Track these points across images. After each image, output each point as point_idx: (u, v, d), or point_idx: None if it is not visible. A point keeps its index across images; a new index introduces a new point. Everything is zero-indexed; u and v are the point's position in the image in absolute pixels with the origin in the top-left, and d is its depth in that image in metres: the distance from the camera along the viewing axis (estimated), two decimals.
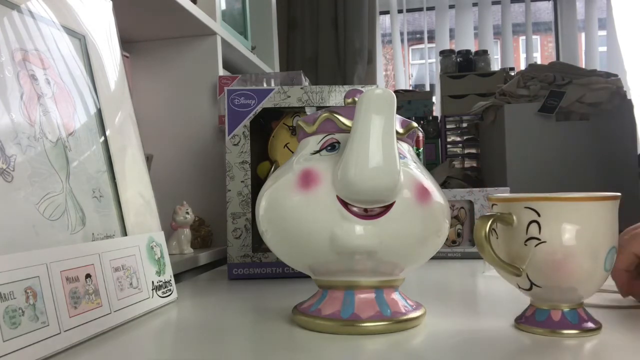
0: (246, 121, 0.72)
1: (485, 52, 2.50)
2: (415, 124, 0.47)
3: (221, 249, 0.95)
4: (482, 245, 0.41)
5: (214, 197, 1.00)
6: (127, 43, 1.04)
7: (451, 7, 3.18)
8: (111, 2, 0.63)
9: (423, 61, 4.35)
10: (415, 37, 4.32)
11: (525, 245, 0.40)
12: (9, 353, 0.34)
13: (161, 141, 1.03)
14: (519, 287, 0.43)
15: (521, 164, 1.61)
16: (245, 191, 0.72)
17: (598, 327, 0.41)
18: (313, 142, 0.45)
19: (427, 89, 3.30)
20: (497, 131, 1.71)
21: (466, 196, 0.87)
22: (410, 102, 2.41)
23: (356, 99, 0.47)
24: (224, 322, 0.49)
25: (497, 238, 0.43)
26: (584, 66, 2.79)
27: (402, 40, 3.15)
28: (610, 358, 0.37)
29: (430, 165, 2.06)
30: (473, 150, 2.15)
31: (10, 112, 0.43)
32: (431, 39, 3.44)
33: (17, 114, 0.44)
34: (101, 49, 0.58)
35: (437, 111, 2.72)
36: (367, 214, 0.41)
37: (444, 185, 1.79)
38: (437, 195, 0.44)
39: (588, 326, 0.41)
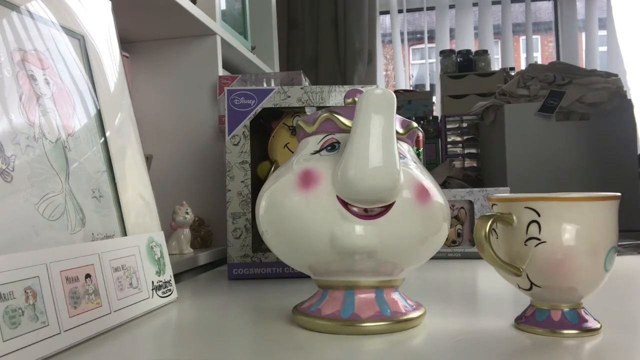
0: (246, 121, 0.72)
1: (485, 52, 2.50)
2: (415, 124, 0.47)
3: (221, 249, 0.95)
4: (482, 245, 0.41)
5: (214, 197, 1.00)
6: (127, 43, 1.04)
7: (451, 7, 3.18)
8: (110, 2, 0.63)
9: (423, 61, 4.36)
10: (415, 37, 4.32)
11: (525, 245, 0.40)
12: (9, 353, 0.34)
13: (161, 141, 1.03)
14: (519, 287, 0.43)
15: (521, 164, 1.61)
16: (245, 191, 0.72)
17: (598, 327, 0.41)
18: (313, 142, 0.45)
19: (427, 89, 3.30)
20: (497, 131, 1.71)
21: (466, 196, 0.87)
22: (411, 102, 2.41)
23: (356, 99, 0.47)
24: (224, 322, 0.49)
25: (497, 238, 0.43)
26: (584, 66, 2.79)
27: (402, 40, 3.16)
28: (610, 358, 0.37)
29: (430, 165, 2.06)
30: (473, 150, 2.15)
31: (10, 112, 0.43)
32: (431, 39, 3.44)
33: (17, 114, 0.44)
34: (101, 49, 0.58)
35: (437, 111, 2.73)
36: (367, 214, 0.40)
37: (444, 185, 1.79)
38: (437, 195, 0.44)
39: (588, 326, 0.41)
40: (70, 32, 0.54)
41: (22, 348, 0.36)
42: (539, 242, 0.40)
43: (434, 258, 0.48)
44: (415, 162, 0.45)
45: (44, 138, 0.46)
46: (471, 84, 2.35)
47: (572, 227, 0.39)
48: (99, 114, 0.55)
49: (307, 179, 0.42)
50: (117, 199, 0.54)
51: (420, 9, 3.41)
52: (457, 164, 2.10)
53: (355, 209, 0.40)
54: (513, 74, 2.12)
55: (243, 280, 0.71)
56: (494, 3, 3.12)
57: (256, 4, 1.52)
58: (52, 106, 0.48)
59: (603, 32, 3.01)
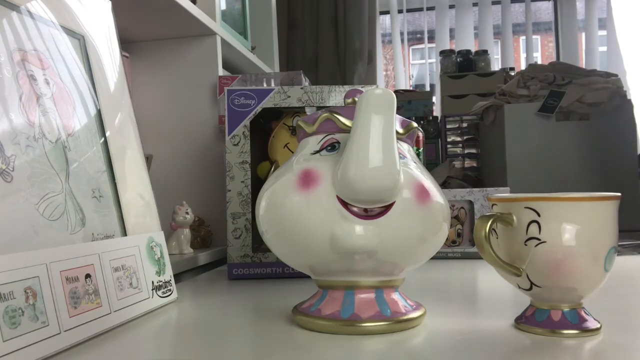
0: (246, 121, 0.72)
1: (485, 52, 2.50)
2: (415, 124, 0.47)
3: (221, 249, 0.95)
4: (482, 245, 0.41)
5: (214, 197, 1.00)
6: (127, 43, 1.04)
7: (451, 7, 3.18)
8: (110, 2, 0.63)
9: (423, 61, 4.36)
10: (415, 37, 4.32)
11: (525, 245, 0.40)
12: (9, 353, 0.34)
13: (161, 141, 1.03)
14: (519, 287, 0.43)
15: (521, 164, 1.61)
16: (245, 191, 0.72)
17: (598, 327, 0.41)
18: (313, 142, 0.45)
19: (427, 89, 3.30)
20: (497, 131, 1.71)
21: (466, 196, 0.87)
22: (410, 102, 2.41)
23: (356, 99, 0.47)
24: (224, 322, 0.49)
25: (497, 238, 0.43)
26: (584, 66, 2.79)
27: (402, 40, 3.15)
28: (610, 358, 0.37)
29: (430, 165, 2.06)
30: (473, 150, 2.15)
31: (10, 112, 0.43)
32: (431, 39, 3.44)
33: (17, 114, 0.44)
34: (101, 49, 0.58)
35: (437, 111, 2.73)
36: (367, 214, 0.40)
37: (444, 185, 1.79)
38: (437, 195, 0.44)
39: (588, 326, 0.41)
40: (70, 32, 0.54)
41: (22, 348, 0.36)
42: (539, 242, 0.40)
43: (434, 258, 0.48)
44: (415, 162, 0.45)
45: (44, 138, 0.46)
46: (471, 84, 2.35)
47: (572, 227, 0.39)
48: (99, 114, 0.55)
49: (307, 179, 0.42)
50: (117, 199, 0.54)
51: (420, 9, 3.41)
52: (457, 164, 2.10)
53: (355, 209, 0.40)
54: (513, 74, 2.11)
55: (243, 280, 0.71)
56: (494, 3, 3.12)
57: (256, 4, 1.52)
58: (52, 106, 0.48)
59: (603, 32, 3.01)
